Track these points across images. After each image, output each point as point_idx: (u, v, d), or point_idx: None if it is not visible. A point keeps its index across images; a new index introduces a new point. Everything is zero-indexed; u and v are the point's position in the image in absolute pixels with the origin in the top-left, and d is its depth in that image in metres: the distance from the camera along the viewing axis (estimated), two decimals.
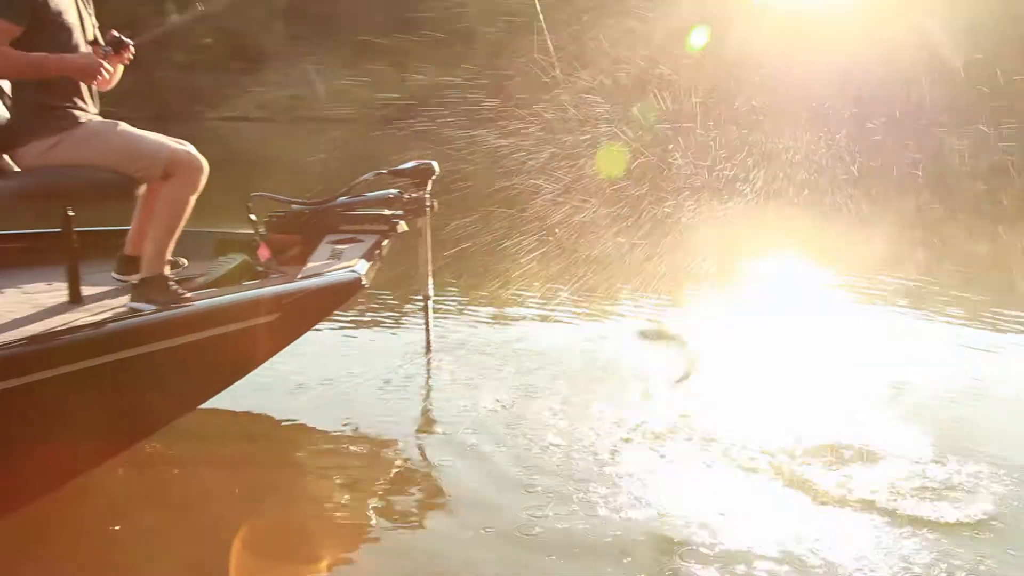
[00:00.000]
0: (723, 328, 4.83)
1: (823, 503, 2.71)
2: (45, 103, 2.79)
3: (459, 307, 5.16)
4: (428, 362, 4.10)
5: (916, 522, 2.58)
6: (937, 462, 2.98)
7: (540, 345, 4.40)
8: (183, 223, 2.90)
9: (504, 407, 3.46)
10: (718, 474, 2.93)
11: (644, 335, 4.70)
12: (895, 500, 2.71)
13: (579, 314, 5.13)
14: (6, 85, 2.89)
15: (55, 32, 2.76)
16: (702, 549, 2.42)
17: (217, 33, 34.50)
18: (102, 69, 2.78)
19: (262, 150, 20.86)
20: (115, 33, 2.97)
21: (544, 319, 5.03)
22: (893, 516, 2.62)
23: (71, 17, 2.83)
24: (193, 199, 2.90)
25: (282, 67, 34.98)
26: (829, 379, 3.87)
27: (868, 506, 2.68)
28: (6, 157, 2.85)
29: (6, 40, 2.64)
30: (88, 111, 2.92)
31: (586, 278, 5.31)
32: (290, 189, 3.79)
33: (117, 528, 2.54)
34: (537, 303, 5.28)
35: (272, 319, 2.78)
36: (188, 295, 2.82)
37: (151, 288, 2.82)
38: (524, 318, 5.04)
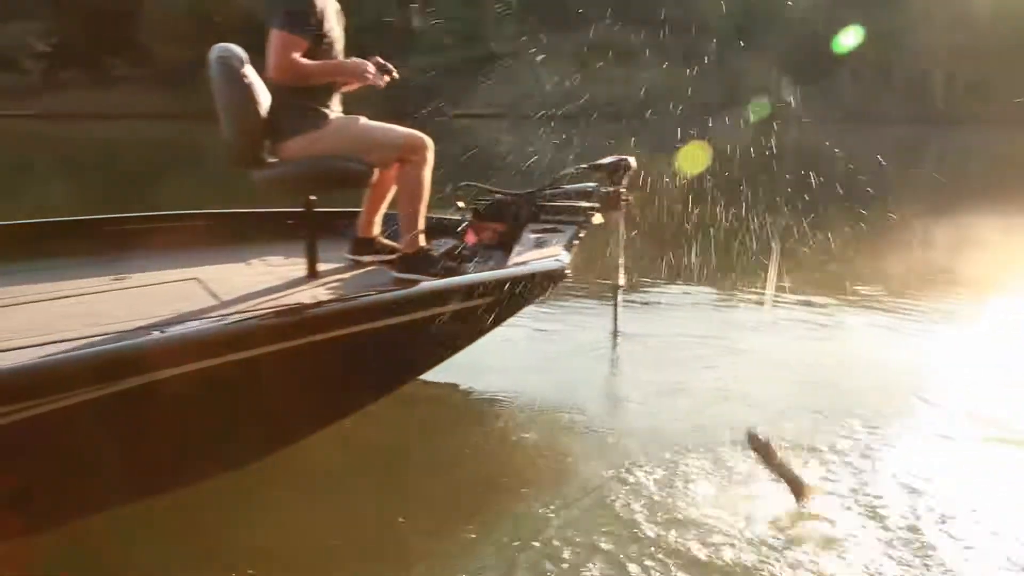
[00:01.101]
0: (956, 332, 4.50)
1: None
2: (305, 104, 3.25)
3: (649, 299, 5.16)
4: (615, 349, 4.18)
5: None
6: None
7: (733, 340, 4.29)
8: (427, 196, 3.29)
9: (691, 401, 3.43)
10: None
11: (854, 334, 4.46)
12: None
13: (785, 311, 4.94)
14: (263, 89, 3.33)
15: (326, 47, 3.24)
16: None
17: (454, 34, 36.48)
18: (369, 73, 3.27)
19: (486, 145, 21.72)
20: (380, 59, 3.37)
21: (741, 315, 4.88)
22: None
23: (336, 33, 3.30)
24: (429, 174, 3.29)
25: (513, 65, 36.32)
26: None
27: None
28: (265, 150, 3.30)
29: (298, 52, 3.12)
30: (336, 110, 3.33)
31: (793, 275, 5.08)
32: (503, 181, 4.01)
33: (333, 495, 2.77)
34: (733, 298, 5.14)
35: (489, 301, 3.00)
36: (453, 265, 3.25)
37: (420, 261, 3.25)
38: (718, 313, 4.93)
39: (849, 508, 2.59)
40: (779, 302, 5.04)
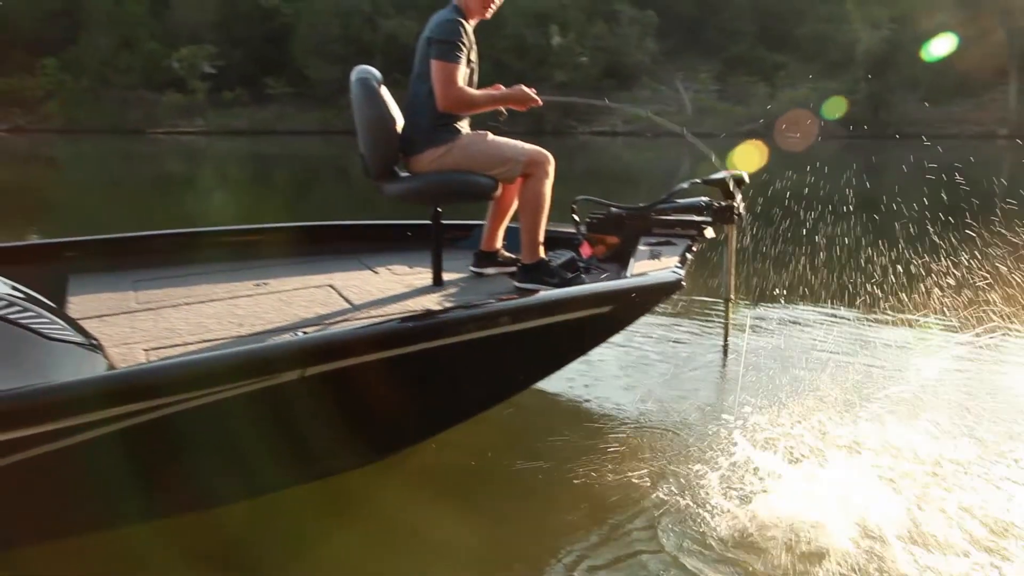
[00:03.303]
0: None
1: None
2: (436, 121, 3.35)
3: (760, 313, 4.98)
4: (724, 363, 4.07)
5: None
6: None
7: (856, 359, 4.05)
8: (547, 210, 3.35)
9: (801, 423, 3.26)
10: None
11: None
12: None
13: (909, 328, 4.65)
14: (396, 108, 3.47)
15: (469, 72, 3.36)
16: None
17: (593, 52, 36.58)
18: (533, 100, 3.38)
19: (617, 162, 21.63)
20: (524, 87, 3.44)
21: (870, 334, 4.62)
22: None
23: (474, 61, 3.41)
24: (550, 188, 3.34)
25: (652, 83, 36.05)
26: None
27: None
28: (398, 164, 3.46)
29: (462, 80, 3.24)
30: (465, 126, 3.45)
31: (923, 292, 4.74)
32: (627, 196, 3.98)
33: (435, 496, 2.77)
34: (847, 315, 4.87)
35: (607, 311, 3.02)
36: (571, 276, 3.31)
37: (539, 271, 3.33)
38: (828, 326, 4.67)
39: None
40: (917, 323, 4.76)
